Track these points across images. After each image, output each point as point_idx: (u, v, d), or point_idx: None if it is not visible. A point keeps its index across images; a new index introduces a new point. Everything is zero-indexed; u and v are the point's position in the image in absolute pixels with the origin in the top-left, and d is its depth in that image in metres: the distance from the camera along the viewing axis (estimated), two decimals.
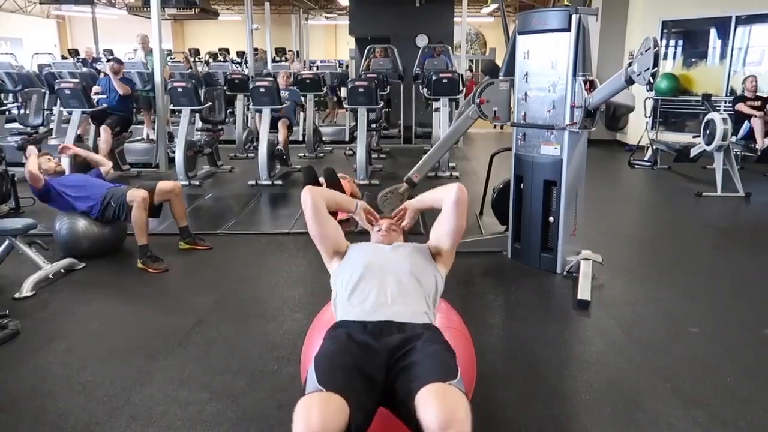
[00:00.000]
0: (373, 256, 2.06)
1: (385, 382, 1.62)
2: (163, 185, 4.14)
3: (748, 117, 7.03)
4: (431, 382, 1.50)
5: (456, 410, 1.43)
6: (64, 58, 14.68)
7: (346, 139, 9.66)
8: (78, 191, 4.01)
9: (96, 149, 6.72)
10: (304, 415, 1.43)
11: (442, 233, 2.19)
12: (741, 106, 7.15)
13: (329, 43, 25.87)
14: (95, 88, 7.14)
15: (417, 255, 2.10)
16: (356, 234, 2.78)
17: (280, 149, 6.95)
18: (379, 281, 1.92)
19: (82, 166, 5.76)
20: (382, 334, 1.74)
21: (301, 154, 8.46)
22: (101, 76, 8.19)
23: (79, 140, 6.52)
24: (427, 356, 1.62)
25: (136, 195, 3.90)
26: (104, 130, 6.59)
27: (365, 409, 1.53)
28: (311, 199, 2.16)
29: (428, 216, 3.45)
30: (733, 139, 6.69)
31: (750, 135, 7.00)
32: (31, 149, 4.03)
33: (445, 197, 2.20)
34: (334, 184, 4.88)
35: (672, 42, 9.44)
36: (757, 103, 7.14)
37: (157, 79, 7.22)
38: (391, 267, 1.99)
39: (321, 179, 4.96)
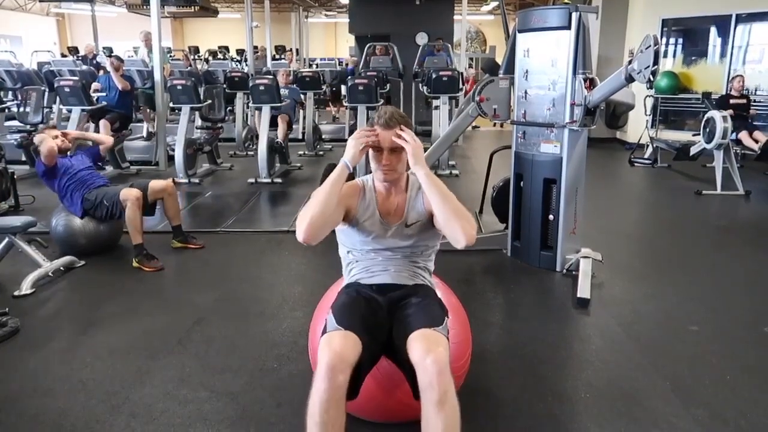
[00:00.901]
0: (379, 239, 2.07)
1: (387, 330, 1.92)
2: (155, 184, 4.12)
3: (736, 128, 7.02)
4: (420, 328, 1.80)
5: (437, 344, 1.74)
6: (63, 55, 14.67)
7: (346, 137, 9.64)
8: (63, 191, 4.01)
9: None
10: (327, 343, 1.74)
11: (437, 223, 2.02)
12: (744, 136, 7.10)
13: (329, 41, 25.86)
14: (94, 85, 7.14)
15: (421, 232, 2.07)
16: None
17: (279, 142, 6.94)
18: (384, 255, 2.09)
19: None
20: (385, 291, 2.04)
21: (301, 152, 8.45)
22: (100, 73, 8.18)
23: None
24: (419, 308, 1.93)
25: (129, 194, 3.90)
26: (104, 125, 6.58)
27: (371, 351, 1.83)
28: (305, 230, 1.88)
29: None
30: (733, 136, 6.70)
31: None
32: (42, 136, 4.01)
33: (452, 228, 1.90)
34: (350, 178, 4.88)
35: (672, 40, 9.43)
36: (743, 101, 7.19)
37: (157, 77, 7.21)
38: (395, 246, 2.08)
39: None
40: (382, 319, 1.95)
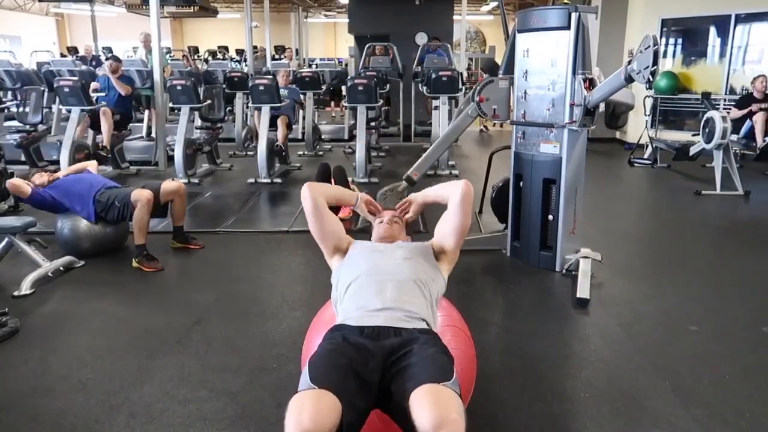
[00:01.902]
0: (375, 261, 2.02)
1: (380, 384, 1.61)
2: (167, 185, 4.14)
3: (750, 115, 7.02)
4: (425, 383, 1.50)
5: (449, 411, 1.43)
6: (62, 55, 14.67)
7: (346, 137, 9.66)
8: (71, 200, 3.99)
9: (96, 147, 6.73)
10: (295, 413, 1.43)
11: (447, 231, 2.18)
12: (735, 112, 7.10)
13: (329, 41, 25.85)
14: (93, 85, 7.14)
15: (419, 258, 2.06)
16: (356, 232, 2.78)
17: (279, 145, 6.94)
18: (379, 287, 1.89)
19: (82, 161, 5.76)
20: (379, 337, 1.73)
21: (301, 152, 8.45)
22: (100, 73, 8.18)
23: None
24: (423, 358, 1.62)
25: (141, 195, 3.90)
26: (104, 113, 6.58)
27: (357, 409, 1.53)
28: (311, 195, 2.15)
29: (428, 214, 3.45)
30: (734, 137, 6.70)
31: (751, 134, 7.00)
32: (12, 185, 3.99)
33: (450, 193, 2.18)
34: (344, 183, 4.90)
35: (671, 40, 9.44)
36: (765, 106, 7.09)
37: (157, 77, 7.21)
38: (393, 273, 1.95)
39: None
40: (372, 370, 1.62)
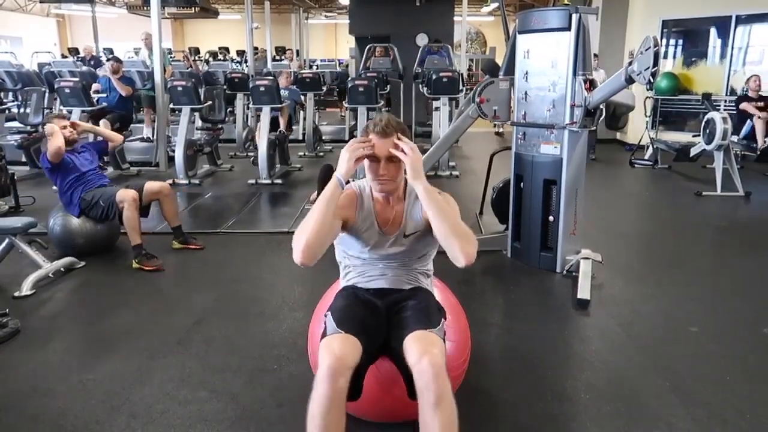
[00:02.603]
0: (377, 247, 2.05)
1: (385, 332, 1.93)
2: (150, 186, 4.10)
3: (751, 116, 7.02)
4: (415, 330, 1.80)
5: (431, 346, 1.74)
6: (63, 56, 14.68)
7: (346, 138, 9.66)
8: (65, 176, 3.98)
9: None
10: (327, 348, 1.73)
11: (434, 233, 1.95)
12: (746, 106, 7.11)
13: (329, 42, 25.88)
14: (95, 86, 7.14)
15: (416, 240, 2.05)
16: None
17: (283, 131, 6.96)
18: (382, 262, 2.08)
19: None
20: (383, 294, 2.04)
21: (301, 153, 8.46)
22: (101, 74, 8.19)
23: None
24: (416, 310, 1.93)
25: (125, 196, 3.89)
26: (104, 124, 6.58)
27: (370, 354, 1.84)
28: (302, 254, 1.84)
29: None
30: (734, 138, 6.70)
31: (752, 135, 6.99)
32: (52, 127, 3.94)
33: (451, 243, 1.84)
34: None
35: (672, 41, 9.44)
36: (761, 104, 7.10)
37: (157, 78, 7.22)
38: (393, 254, 2.07)
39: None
40: (380, 322, 1.95)
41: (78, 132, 4.13)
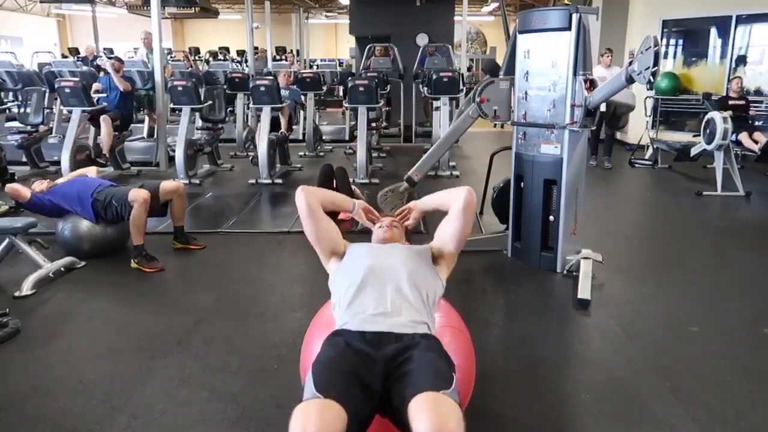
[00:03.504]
0: (372, 261, 1.98)
1: (382, 390, 1.62)
2: (166, 185, 4.14)
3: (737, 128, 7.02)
4: (424, 390, 1.50)
5: (447, 420, 1.43)
6: (64, 56, 14.68)
7: (347, 137, 9.67)
8: (70, 202, 3.99)
9: (96, 148, 6.74)
10: (301, 422, 1.43)
11: (447, 236, 2.16)
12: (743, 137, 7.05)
13: (329, 42, 25.88)
14: (95, 86, 7.14)
15: (417, 259, 2.04)
16: (356, 233, 2.77)
17: (284, 132, 6.97)
18: (378, 290, 1.88)
19: (83, 162, 5.77)
20: (380, 343, 1.73)
21: (302, 153, 8.45)
22: (101, 74, 8.19)
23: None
24: (422, 365, 1.62)
25: (137, 195, 3.89)
26: (104, 120, 6.57)
27: (361, 417, 1.54)
28: (305, 199, 2.13)
29: (429, 217, 3.45)
30: (733, 137, 6.70)
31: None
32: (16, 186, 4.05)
33: (453, 200, 2.16)
34: (346, 184, 4.92)
35: (672, 41, 9.43)
36: (741, 102, 7.17)
37: (158, 77, 7.22)
38: (391, 274, 1.93)
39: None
40: (375, 377, 1.63)
41: (46, 189, 4.05)
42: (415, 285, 1.91)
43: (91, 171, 4.47)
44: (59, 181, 4.24)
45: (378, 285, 1.90)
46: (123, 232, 4.17)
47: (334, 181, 4.98)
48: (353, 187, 5.32)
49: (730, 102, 7.18)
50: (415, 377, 1.57)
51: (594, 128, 3.67)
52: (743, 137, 6.80)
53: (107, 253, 4.10)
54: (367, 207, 2.37)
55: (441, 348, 1.76)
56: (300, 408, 1.48)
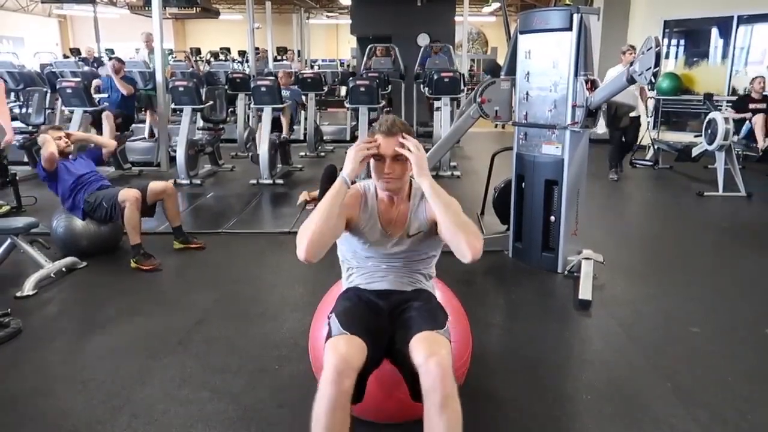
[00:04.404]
0: (379, 245, 2.03)
1: (388, 335, 1.90)
2: (154, 186, 4.12)
3: (750, 116, 7.02)
4: (422, 331, 1.79)
5: (439, 347, 1.73)
6: (65, 57, 14.70)
7: (348, 138, 9.67)
8: (64, 184, 4.00)
9: None
10: (333, 349, 1.73)
11: (440, 232, 1.95)
12: (732, 115, 7.04)
13: (330, 42, 25.86)
14: (96, 82, 7.15)
15: (420, 241, 2.04)
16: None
17: (285, 137, 6.97)
18: (384, 263, 2.07)
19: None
20: (386, 296, 2.02)
21: (303, 153, 8.46)
22: (102, 74, 8.20)
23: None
24: (421, 311, 1.91)
25: (128, 195, 3.90)
26: (106, 116, 6.58)
27: (374, 356, 1.81)
28: (305, 253, 1.82)
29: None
30: (734, 138, 6.69)
31: (751, 134, 6.99)
32: (45, 137, 4.00)
33: (460, 236, 1.84)
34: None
35: (674, 41, 9.43)
36: (763, 105, 7.09)
37: (159, 78, 7.22)
38: (396, 255, 2.05)
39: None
40: (383, 323, 1.93)
41: (72, 141, 4.14)
42: (417, 262, 2.09)
43: (111, 145, 4.52)
44: (73, 135, 4.28)
45: (384, 261, 2.07)
46: (118, 229, 4.17)
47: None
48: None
49: (751, 105, 7.12)
50: (415, 322, 1.86)
51: (595, 129, 3.65)
52: (757, 126, 6.73)
53: (105, 250, 4.11)
54: (359, 146, 1.94)
55: (435, 299, 2.06)
56: (331, 341, 1.77)
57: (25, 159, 6.72)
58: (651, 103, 8.53)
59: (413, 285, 2.08)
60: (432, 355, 1.69)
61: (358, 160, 1.90)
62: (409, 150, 1.89)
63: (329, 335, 1.83)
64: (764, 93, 7.27)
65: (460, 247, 1.83)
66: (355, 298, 2.01)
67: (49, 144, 3.93)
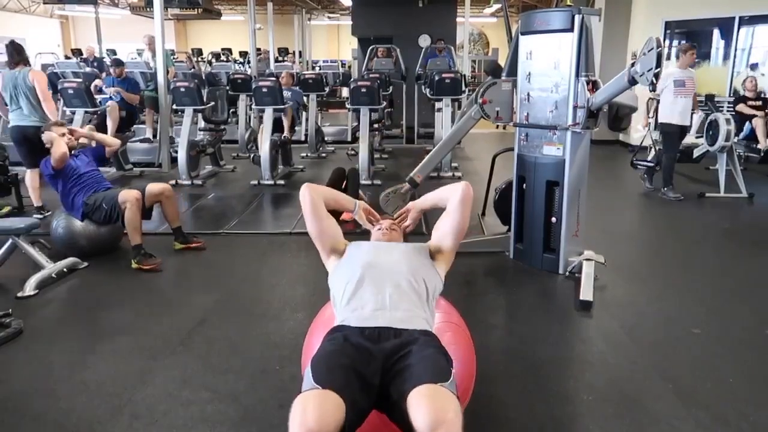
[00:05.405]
0: (371, 258, 2.02)
1: (380, 384, 1.63)
2: (152, 188, 4.12)
3: (749, 118, 7.02)
4: (423, 383, 1.52)
5: (446, 411, 1.44)
6: (67, 57, 14.71)
7: (349, 139, 9.67)
8: (66, 182, 4.00)
9: None
10: (300, 413, 1.44)
11: (444, 231, 2.18)
12: (742, 107, 7.13)
13: (332, 43, 25.87)
14: (97, 81, 7.17)
15: (416, 255, 2.08)
16: (358, 234, 2.76)
17: (287, 137, 6.97)
18: (377, 286, 1.90)
19: None
20: (379, 338, 1.75)
21: (304, 154, 8.46)
22: (103, 75, 8.21)
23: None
24: (421, 359, 1.64)
25: (128, 195, 3.90)
26: (110, 112, 6.60)
27: (359, 409, 1.55)
28: (309, 196, 2.18)
29: (431, 216, 3.45)
30: (735, 139, 6.69)
31: (752, 135, 6.99)
32: (51, 135, 4.01)
33: (450, 195, 2.20)
34: (354, 185, 5.07)
35: (675, 42, 9.42)
36: (758, 103, 7.12)
37: (160, 79, 7.23)
38: (390, 270, 1.95)
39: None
40: (374, 371, 1.64)
41: (76, 138, 4.15)
42: (413, 281, 1.93)
43: (115, 144, 4.52)
44: (77, 131, 4.28)
45: (377, 281, 1.91)
46: (117, 230, 4.17)
47: (345, 183, 5.04)
48: (361, 192, 5.34)
49: (749, 103, 7.15)
50: (415, 371, 1.58)
51: (596, 129, 3.65)
52: (758, 127, 6.74)
53: (105, 250, 4.11)
54: (367, 208, 2.40)
55: (439, 344, 1.77)
56: (299, 398, 1.50)
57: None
58: (652, 105, 8.52)
59: (413, 322, 1.81)
60: (440, 423, 1.41)
61: (363, 220, 2.37)
62: (408, 224, 2.38)
63: (302, 387, 1.57)
64: (758, 90, 7.33)
65: (454, 194, 2.18)
66: (341, 339, 1.74)
67: (60, 143, 3.92)
